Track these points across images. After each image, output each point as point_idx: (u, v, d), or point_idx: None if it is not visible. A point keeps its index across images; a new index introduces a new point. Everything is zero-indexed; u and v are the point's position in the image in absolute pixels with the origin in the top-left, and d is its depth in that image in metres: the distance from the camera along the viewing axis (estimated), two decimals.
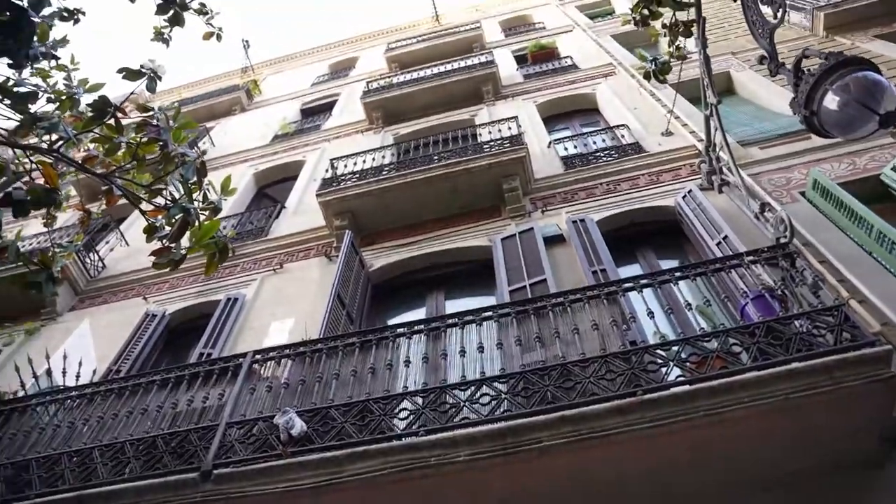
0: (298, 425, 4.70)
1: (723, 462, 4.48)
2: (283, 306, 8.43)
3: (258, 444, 4.85)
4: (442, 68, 14.82)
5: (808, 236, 6.37)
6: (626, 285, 5.50)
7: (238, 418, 5.17)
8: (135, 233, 11.99)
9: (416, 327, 5.58)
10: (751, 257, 5.52)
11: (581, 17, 19.04)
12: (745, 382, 4.22)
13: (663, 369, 4.61)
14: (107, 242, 12.17)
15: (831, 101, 4.46)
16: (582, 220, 8.00)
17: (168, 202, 4.26)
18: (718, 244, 6.74)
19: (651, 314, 5.19)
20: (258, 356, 5.84)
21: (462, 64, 14.67)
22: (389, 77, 15.71)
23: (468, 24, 19.82)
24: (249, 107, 19.04)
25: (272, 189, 13.64)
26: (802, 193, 7.37)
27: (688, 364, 4.56)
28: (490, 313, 5.49)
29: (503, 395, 4.63)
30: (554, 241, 7.94)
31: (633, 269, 7.56)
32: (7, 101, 4.39)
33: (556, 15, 20.07)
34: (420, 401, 4.78)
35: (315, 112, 17.50)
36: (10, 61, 3.71)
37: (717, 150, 7.63)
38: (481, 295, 7.94)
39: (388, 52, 18.30)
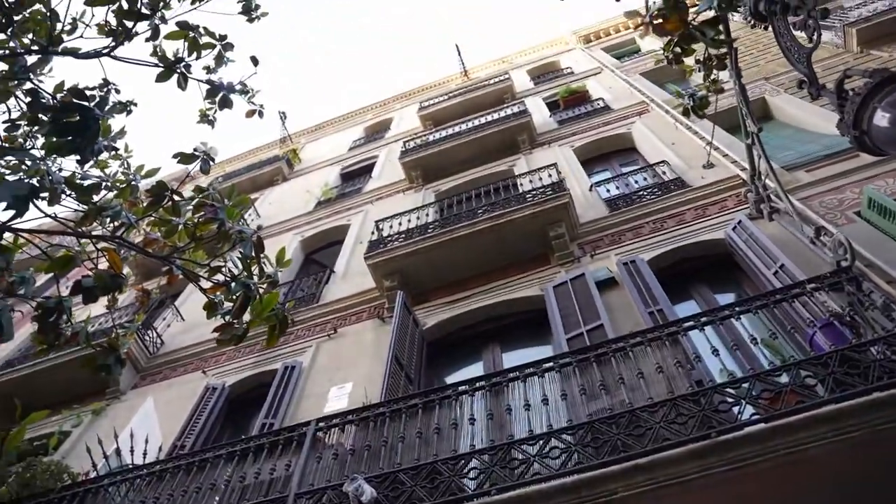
0: (368, 492, 4.67)
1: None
2: (341, 371, 8.47)
3: None
4: (476, 122, 15.05)
5: (871, 257, 6.17)
6: (688, 324, 5.40)
7: (306, 488, 5.17)
8: (189, 307, 12.29)
9: (477, 384, 5.54)
10: (813, 284, 5.38)
11: (608, 58, 19.21)
12: (824, 416, 4.07)
13: (735, 408, 4.47)
14: (163, 319, 12.49)
15: (881, 119, 4.36)
16: (633, 261, 7.92)
17: (227, 278, 4.35)
18: (776, 273, 6.58)
19: (716, 352, 5.07)
20: (322, 424, 5.86)
21: (495, 116, 14.90)
22: (425, 135, 16.02)
23: (497, 75, 20.18)
24: (291, 175, 19.54)
25: (319, 255, 13.87)
26: (858, 213, 7.18)
27: (761, 401, 4.41)
28: (551, 364, 5.43)
29: (573, 447, 4.54)
30: (606, 284, 7.87)
31: (689, 307, 7.40)
32: (73, 194, 4.60)
33: (582, 59, 20.31)
34: (488, 458, 4.71)
35: (355, 175, 17.88)
36: (78, 157, 3.90)
37: (763, 177, 7.51)
38: (538, 345, 7.87)
39: (422, 111, 18.68)
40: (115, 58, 4.84)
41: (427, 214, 10.83)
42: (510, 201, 9.63)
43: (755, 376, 4.58)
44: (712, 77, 6.80)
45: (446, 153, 14.16)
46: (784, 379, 4.52)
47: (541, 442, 4.67)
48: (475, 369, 7.93)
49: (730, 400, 4.51)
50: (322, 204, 15.70)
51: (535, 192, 9.56)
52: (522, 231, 9.16)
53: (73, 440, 9.45)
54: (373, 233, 10.36)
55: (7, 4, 4.39)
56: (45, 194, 4.42)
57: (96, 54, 4.82)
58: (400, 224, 10.45)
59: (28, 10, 4.61)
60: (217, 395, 9.08)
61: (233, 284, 4.19)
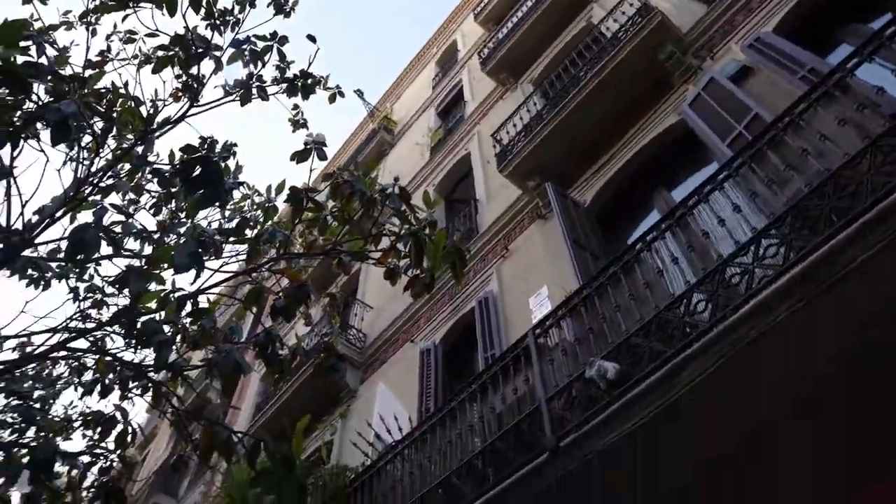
0: (611, 368, 4.70)
1: None
2: (530, 280, 8.56)
3: (585, 402, 4.91)
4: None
5: None
6: (852, 63, 4.79)
7: (553, 391, 5.29)
8: (370, 295, 12.98)
9: (663, 225, 5.34)
10: None
11: None
12: None
13: None
14: (355, 315, 13.25)
15: None
16: (757, 39, 7.25)
17: (391, 239, 4.46)
18: None
19: None
20: (538, 330, 5.95)
21: None
22: (493, 37, 15.48)
23: None
24: (395, 140, 19.70)
25: (456, 193, 14.09)
26: None
27: None
28: (726, 172, 5.10)
29: (788, 237, 4.28)
30: (741, 75, 7.28)
31: (843, 52, 6.65)
32: (230, 240, 4.93)
33: None
34: (708, 287, 4.57)
35: (451, 108, 17.81)
36: (218, 203, 4.15)
37: None
38: (700, 167, 7.48)
39: (479, 17, 18.06)
40: (200, 107, 5.09)
41: (534, 104, 10.55)
42: (606, 49, 9.14)
43: None
44: None
45: (521, 42, 13.56)
46: None
47: (752, 248, 4.44)
48: (652, 218, 7.69)
49: None
50: (436, 148, 15.82)
51: (625, 29, 8.99)
52: (633, 70, 8.68)
53: (337, 445, 10.39)
54: (494, 146, 10.28)
55: (101, 111, 4.72)
56: (211, 250, 4.77)
57: (185, 116, 5.09)
58: (514, 126, 10.30)
59: (118, 106, 4.94)
60: (433, 354, 9.55)
61: (398, 245, 4.31)
